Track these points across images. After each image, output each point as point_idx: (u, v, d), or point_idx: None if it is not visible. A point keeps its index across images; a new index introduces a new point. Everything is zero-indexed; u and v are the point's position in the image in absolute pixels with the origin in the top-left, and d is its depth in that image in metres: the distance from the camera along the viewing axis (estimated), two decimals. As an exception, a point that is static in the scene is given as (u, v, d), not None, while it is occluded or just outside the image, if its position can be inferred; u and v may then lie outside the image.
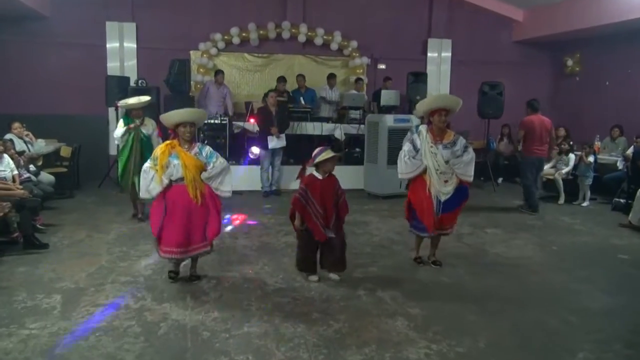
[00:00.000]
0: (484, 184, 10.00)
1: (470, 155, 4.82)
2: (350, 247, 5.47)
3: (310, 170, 4.49)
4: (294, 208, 4.45)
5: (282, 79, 10.00)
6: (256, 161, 9.02)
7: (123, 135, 6.40)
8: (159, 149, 4.35)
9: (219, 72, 10.02)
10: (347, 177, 8.76)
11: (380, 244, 5.90)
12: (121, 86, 8.79)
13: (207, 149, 4.44)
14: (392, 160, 8.28)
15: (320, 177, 4.44)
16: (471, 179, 4.83)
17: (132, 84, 8.99)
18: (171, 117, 4.32)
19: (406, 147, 4.91)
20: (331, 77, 10.53)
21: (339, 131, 9.59)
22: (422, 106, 4.92)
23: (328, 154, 4.39)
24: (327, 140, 9.93)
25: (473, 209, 7.74)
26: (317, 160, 4.39)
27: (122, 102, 6.63)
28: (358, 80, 10.77)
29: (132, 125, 6.37)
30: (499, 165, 10.64)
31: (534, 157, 7.76)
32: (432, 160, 4.76)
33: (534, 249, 5.90)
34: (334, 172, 4.49)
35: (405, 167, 4.88)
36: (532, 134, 7.71)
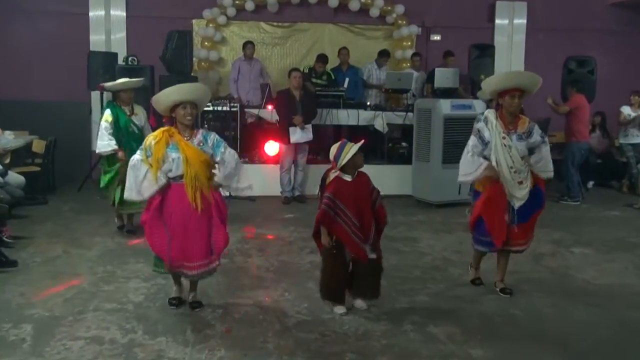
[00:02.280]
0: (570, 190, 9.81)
1: (548, 146, 4.88)
2: (394, 269, 5.47)
3: (334, 174, 4.46)
4: (321, 224, 4.43)
5: (322, 58, 10.01)
6: (275, 159, 9.07)
7: (108, 152, 6.44)
8: (152, 137, 4.34)
9: (247, 44, 10.15)
10: (391, 179, 8.76)
11: (432, 266, 5.86)
12: (107, 65, 8.93)
13: (213, 135, 4.47)
14: (449, 158, 8.29)
15: (349, 178, 4.43)
16: (552, 173, 4.92)
17: (120, 61, 9.12)
18: (167, 96, 4.32)
19: (471, 141, 4.87)
20: (384, 54, 10.49)
21: (380, 121, 9.56)
22: (489, 85, 4.89)
23: (351, 148, 4.34)
24: (365, 132, 9.94)
25: (555, 222, 7.60)
26: (342, 161, 4.34)
27: (108, 84, 6.74)
28: (415, 55, 10.75)
29: (120, 155, 6.37)
30: (590, 165, 10.45)
31: (585, 143, 9.31)
32: (504, 156, 4.70)
33: (636, 275, 5.77)
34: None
35: (466, 167, 4.85)
36: (583, 115, 9.13)
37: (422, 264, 5.92)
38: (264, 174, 9.08)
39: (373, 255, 4.45)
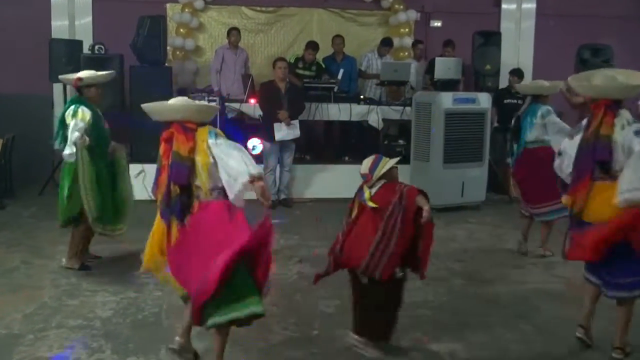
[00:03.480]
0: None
1: None
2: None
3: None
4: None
5: (312, 45, 9.99)
6: (258, 158, 9.05)
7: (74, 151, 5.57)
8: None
9: (232, 30, 10.10)
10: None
11: (434, 277, 5.85)
12: (71, 53, 8.89)
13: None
14: (451, 157, 8.36)
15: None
16: None
17: (86, 50, 9.09)
18: (161, 112, 4.05)
19: None
20: (387, 43, 10.47)
21: (375, 116, 9.57)
22: (596, 88, 4.38)
23: (387, 163, 4.32)
24: (359, 129, 9.95)
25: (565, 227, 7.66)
26: (379, 173, 4.30)
27: (88, 76, 5.95)
28: (417, 43, 10.77)
29: (81, 140, 5.54)
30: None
31: None
32: None
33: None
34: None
35: None
36: None
37: (422, 274, 5.91)
38: (246, 175, 9.06)
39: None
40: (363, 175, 4.35)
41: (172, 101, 4.11)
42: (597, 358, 4.22)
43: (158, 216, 3.88)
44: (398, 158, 4.45)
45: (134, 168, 7.38)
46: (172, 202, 3.78)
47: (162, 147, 3.88)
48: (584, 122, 4.38)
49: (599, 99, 4.25)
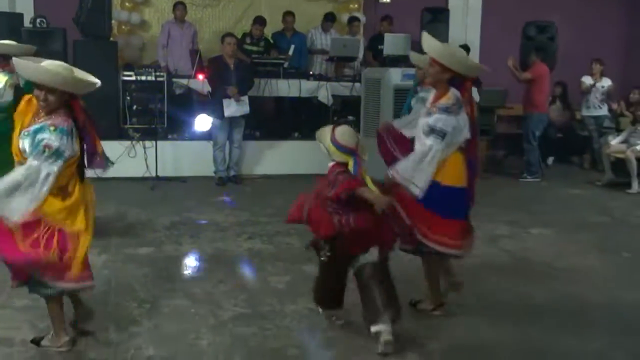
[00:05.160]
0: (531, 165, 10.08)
1: (432, 142, 4.18)
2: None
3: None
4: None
5: (260, 20, 9.96)
6: (207, 135, 8.99)
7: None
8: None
9: (178, 5, 9.98)
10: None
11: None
12: (11, 27, 8.63)
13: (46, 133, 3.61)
14: (400, 132, 8.44)
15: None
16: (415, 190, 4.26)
17: (27, 24, 8.87)
18: (22, 69, 3.84)
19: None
20: (330, 18, 10.51)
21: (325, 92, 9.59)
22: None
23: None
24: (309, 105, 9.94)
25: (512, 201, 7.82)
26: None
27: None
28: (352, 20, 10.76)
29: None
30: (550, 139, 10.74)
31: (545, 115, 9.79)
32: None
33: (597, 257, 5.98)
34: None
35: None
36: (545, 85, 9.56)
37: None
38: (194, 152, 9.01)
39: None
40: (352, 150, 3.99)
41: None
42: (538, 330, 4.34)
43: None
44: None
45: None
46: None
47: None
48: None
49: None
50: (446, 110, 4.15)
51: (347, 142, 3.90)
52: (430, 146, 4.13)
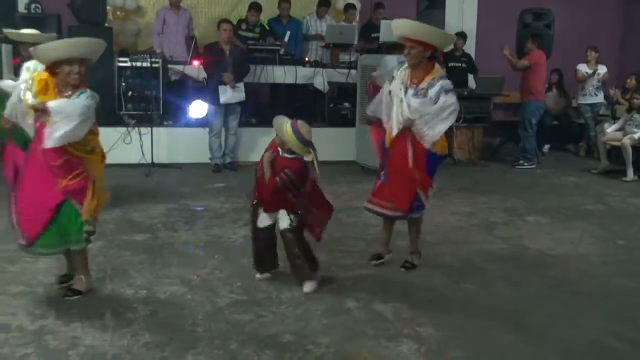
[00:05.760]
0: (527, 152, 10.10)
1: (451, 98, 4.63)
2: (337, 242, 5.53)
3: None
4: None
5: (255, 6, 9.92)
6: (203, 122, 8.98)
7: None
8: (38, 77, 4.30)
9: None
10: (333, 143, 8.79)
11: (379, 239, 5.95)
12: (4, 12, 8.59)
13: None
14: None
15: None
16: (432, 139, 4.79)
17: (21, 9, 8.83)
18: (54, 50, 4.14)
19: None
20: (324, 3, 10.46)
21: (321, 79, 9.57)
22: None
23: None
24: (305, 92, 9.93)
25: (508, 189, 7.84)
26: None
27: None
28: (349, 7, 10.71)
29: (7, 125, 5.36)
30: (545, 127, 10.75)
31: (542, 102, 9.73)
32: (396, 110, 4.77)
33: (592, 244, 6.01)
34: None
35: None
36: (542, 72, 9.55)
37: (368, 236, 5.99)
38: (190, 139, 9.00)
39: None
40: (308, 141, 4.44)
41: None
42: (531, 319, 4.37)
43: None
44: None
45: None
46: None
47: None
48: None
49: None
50: (442, 77, 4.60)
51: (308, 136, 4.35)
52: (453, 102, 4.56)
